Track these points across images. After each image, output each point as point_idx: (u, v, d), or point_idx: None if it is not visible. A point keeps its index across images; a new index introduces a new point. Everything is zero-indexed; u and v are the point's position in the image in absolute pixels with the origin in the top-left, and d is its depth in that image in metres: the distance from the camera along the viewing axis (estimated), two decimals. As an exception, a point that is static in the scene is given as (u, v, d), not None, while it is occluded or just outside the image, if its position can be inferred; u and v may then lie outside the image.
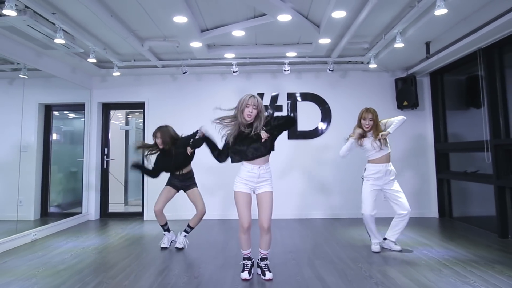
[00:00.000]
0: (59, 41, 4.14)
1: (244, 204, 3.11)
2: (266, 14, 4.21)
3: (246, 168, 3.13)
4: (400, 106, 6.09)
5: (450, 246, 4.12)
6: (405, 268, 3.39)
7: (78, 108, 6.61)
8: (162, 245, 4.33)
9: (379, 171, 3.92)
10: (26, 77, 5.22)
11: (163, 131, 4.19)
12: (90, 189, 6.36)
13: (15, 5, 3.35)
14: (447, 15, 3.77)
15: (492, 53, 4.62)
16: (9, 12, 3.31)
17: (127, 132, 8.32)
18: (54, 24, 4.06)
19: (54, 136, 6.47)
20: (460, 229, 5.11)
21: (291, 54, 5.55)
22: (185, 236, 4.33)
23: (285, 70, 5.76)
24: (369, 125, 3.90)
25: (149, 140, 6.35)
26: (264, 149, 3.08)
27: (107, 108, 6.67)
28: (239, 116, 3.07)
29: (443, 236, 4.71)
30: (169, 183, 4.34)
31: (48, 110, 6.34)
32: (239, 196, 3.13)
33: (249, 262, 3.24)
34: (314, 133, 6.29)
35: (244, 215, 3.10)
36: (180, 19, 4.05)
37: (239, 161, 3.18)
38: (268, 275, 3.14)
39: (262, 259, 3.23)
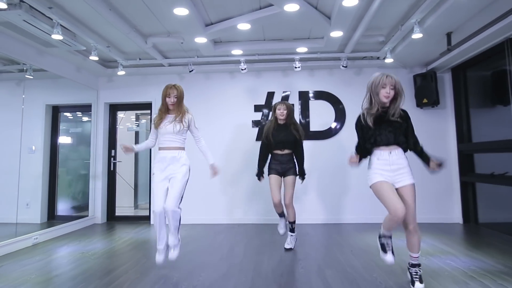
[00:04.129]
0: (57, 36, 3.97)
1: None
2: (272, 5, 3.95)
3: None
4: (419, 104, 5.71)
5: (476, 255, 3.74)
6: (426, 279, 3.04)
7: (85, 109, 6.49)
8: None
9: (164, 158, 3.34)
10: (31, 77, 5.11)
11: (289, 106, 4.14)
12: (97, 192, 6.20)
13: (8, -3, 3.21)
14: (470, 1, 3.42)
15: (521, 44, 4.23)
16: (0, 4, 3.16)
17: (137, 133, 8.19)
18: (52, 20, 3.90)
19: (62, 139, 6.38)
20: (487, 236, 4.70)
21: (302, 49, 5.26)
22: (291, 235, 4.18)
23: (296, 67, 5.48)
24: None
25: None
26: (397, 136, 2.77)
27: (114, 108, 6.52)
28: (374, 98, 2.78)
29: (468, 243, 4.32)
30: (271, 172, 4.14)
31: (55, 111, 6.25)
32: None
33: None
34: (327, 134, 5.97)
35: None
36: (181, 11, 3.82)
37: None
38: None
39: (413, 265, 2.82)
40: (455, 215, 5.68)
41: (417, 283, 2.74)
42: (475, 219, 5.50)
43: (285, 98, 6.04)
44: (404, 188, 2.73)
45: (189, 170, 3.40)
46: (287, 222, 4.20)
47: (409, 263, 2.86)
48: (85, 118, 6.78)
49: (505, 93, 4.56)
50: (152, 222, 6.05)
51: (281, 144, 4.06)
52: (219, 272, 3.37)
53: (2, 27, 4.03)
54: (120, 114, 7.80)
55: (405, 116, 2.84)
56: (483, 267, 3.33)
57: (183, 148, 3.42)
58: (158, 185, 3.27)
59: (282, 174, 4.11)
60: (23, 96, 5.08)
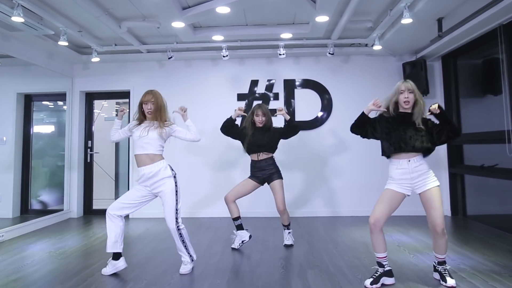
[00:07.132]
0: (18, 19, 3.64)
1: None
2: (252, -14, 3.68)
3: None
4: (409, 93, 5.50)
5: (465, 252, 3.58)
6: (413, 280, 2.86)
7: (60, 98, 6.16)
8: (233, 246, 3.89)
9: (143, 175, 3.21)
10: (-1, 63, 4.78)
11: (266, 109, 3.85)
12: (72, 185, 5.90)
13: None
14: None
15: (515, 30, 4.03)
16: None
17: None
18: (12, 0, 3.57)
19: (36, 129, 6.04)
20: (475, 229, 4.56)
21: (287, 35, 4.99)
22: (289, 232, 3.99)
23: (280, 54, 5.20)
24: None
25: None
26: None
27: (90, 97, 6.19)
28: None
29: (457, 238, 4.16)
30: (251, 177, 3.91)
31: (28, 100, 5.91)
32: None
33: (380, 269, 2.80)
34: (313, 124, 5.74)
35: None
36: (154, -8, 3.53)
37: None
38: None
39: (439, 263, 2.82)
40: (443, 207, 5.52)
41: (448, 279, 2.72)
42: (463, 211, 5.36)
43: (270, 87, 5.79)
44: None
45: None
46: (283, 226, 4.00)
47: (435, 262, 2.84)
48: (60, 107, 6.45)
49: (497, 82, 4.37)
50: (130, 216, 5.79)
51: (256, 148, 3.81)
52: (194, 272, 3.15)
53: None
54: (104, 103, 7.46)
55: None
56: (473, 266, 3.17)
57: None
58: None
59: (266, 180, 3.87)
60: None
